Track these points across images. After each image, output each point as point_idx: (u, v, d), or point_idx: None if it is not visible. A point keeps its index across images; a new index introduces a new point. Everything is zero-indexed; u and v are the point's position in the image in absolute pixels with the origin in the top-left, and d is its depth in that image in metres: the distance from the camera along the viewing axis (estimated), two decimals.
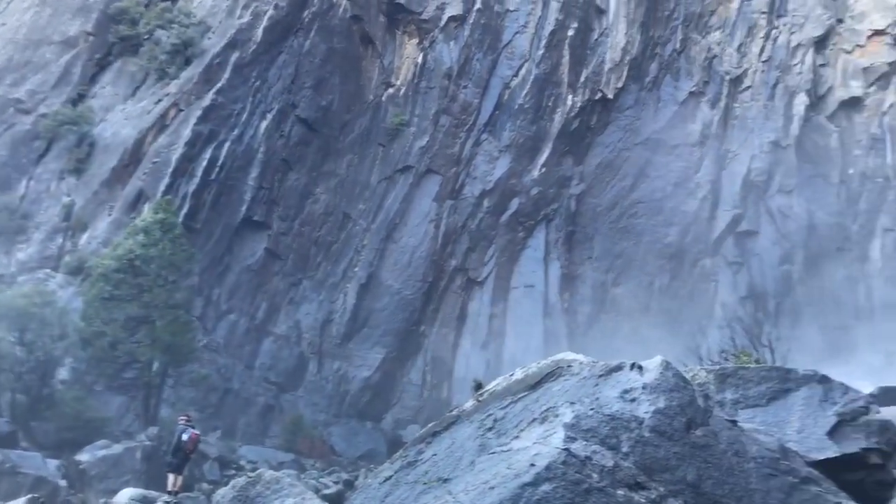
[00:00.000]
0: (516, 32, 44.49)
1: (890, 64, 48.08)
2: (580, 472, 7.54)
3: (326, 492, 25.37)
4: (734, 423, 8.86)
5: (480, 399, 10.26)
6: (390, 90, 42.72)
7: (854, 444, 9.67)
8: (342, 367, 38.67)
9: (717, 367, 12.05)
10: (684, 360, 18.34)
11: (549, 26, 44.44)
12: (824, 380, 10.65)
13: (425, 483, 8.68)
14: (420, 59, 43.26)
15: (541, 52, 44.31)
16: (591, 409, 8.39)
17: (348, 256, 40.29)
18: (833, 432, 9.83)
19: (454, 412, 10.54)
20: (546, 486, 7.27)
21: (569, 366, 9.72)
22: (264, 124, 38.90)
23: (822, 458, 9.40)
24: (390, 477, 9.55)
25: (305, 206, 39.67)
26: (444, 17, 43.66)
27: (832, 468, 9.34)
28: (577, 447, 7.76)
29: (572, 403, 8.64)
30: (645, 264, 43.71)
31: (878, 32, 48.25)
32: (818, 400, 10.37)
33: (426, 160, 42.38)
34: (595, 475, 7.58)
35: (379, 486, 9.56)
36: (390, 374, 39.38)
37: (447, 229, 42.03)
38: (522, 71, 44.17)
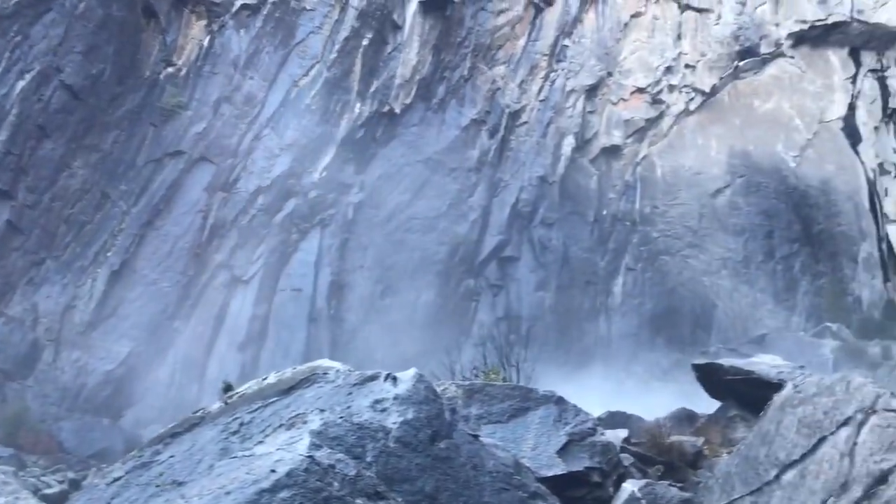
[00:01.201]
0: (311, 32, 43.96)
1: (647, 120, 53.31)
2: (322, 481, 7.43)
3: (48, 491, 23.21)
4: (476, 437, 9.18)
5: (229, 401, 9.90)
6: (170, 69, 40.37)
7: (579, 462, 10.42)
8: (82, 358, 35.66)
9: (467, 382, 12.49)
10: (439, 375, 18.87)
11: (345, 32, 44.41)
12: (560, 401, 11.39)
13: (158, 486, 8.20)
14: (206, 42, 41.35)
15: (333, 56, 44.12)
16: (341, 418, 8.34)
17: (102, 239, 37.35)
18: (563, 451, 10.52)
19: (199, 413, 10.10)
20: (284, 493, 7.09)
21: (325, 373, 9.64)
22: (21, 84, 35.23)
23: (551, 474, 10.01)
24: (120, 478, 8.92)
25: (59, 180, 36.29)
26: (237, 4, 42.15)
27: (559, 484, 9.97)
28: (322, 455, 7.65)
29: (322, 411, 8.55)
30: (413, 279, 44.69)
31: (639, 90, 53.37)
32: (553, 420, 11.06)
33: (201, 147, 40.45)
34: (336, 484, 7.50)
35: (106, 487, 8.87)
36: (136, 370, 36.88)
37: (216, 222, 40.32)
38: (313, 72, 43.69)
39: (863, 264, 51.99)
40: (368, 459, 7.87)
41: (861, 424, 10.97)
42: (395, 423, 8.35)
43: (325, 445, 7.80)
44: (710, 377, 16.08)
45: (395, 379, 9.12)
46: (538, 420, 11.10)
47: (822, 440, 11.14)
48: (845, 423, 11.12)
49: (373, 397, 8.75)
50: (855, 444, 10.86)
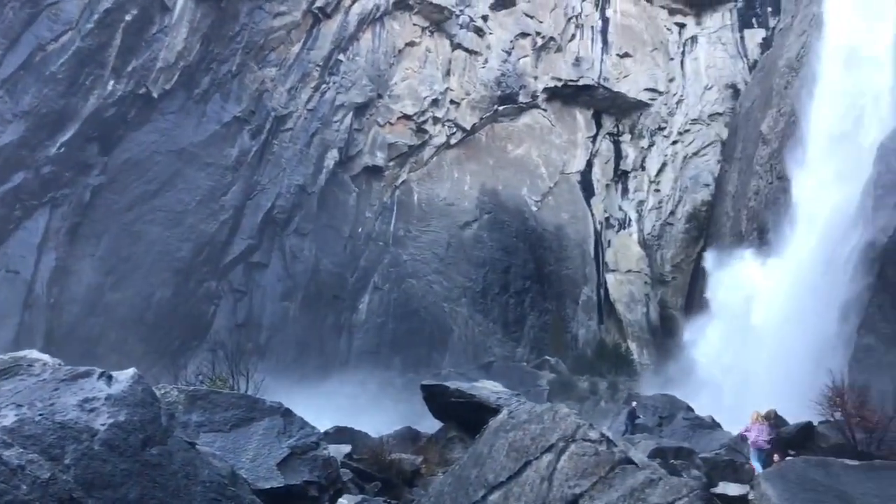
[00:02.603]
0: None
1: (410, 146, 55.00)
2: (7, 483, 6.76)
3: None
4: (192, 445, 8.79)
5: None
6: None
7: (298, 476, 10.34)
8: None
9: (191, 388, 11.96)
10: (163, 378, 17.88)
11: (107, 3, 40.99)
12: (287, 413, 11.25)
13: None
14: None
15: (90, 26, 40.54)
16: (41, 415, 7.63)
17: None
18: (283, 463, 10.39)
19: None
20: None
21: (30, 365, 8.77)
22: None
23: (268, 487, 9.83)
24: None
25: None
26: None
27: (275, 497, 9.82)
28: (11, 454, 6.95)
29: (20, 406, 7.77)
30: (150, 275, 42.04)
31: (406, 116, 55.02)
32: (277, 432, 10.89)
33: None
34: (25, 487, 6.85)
35: None
36: None
37: None
38: (65, 38, 39.80)
39: (582, 306, 57.32)
40: (67, 462, 7.25)
41: (562, 451, 11.98)
42: (103, 424, 7.77)
43: (18, 444, 7.09)
44: (436, 398, 16.74)
45: (110, 378, 8.51)
46: (262, 431, 10.88)
47: (527, 464, 12.01)
48: (548, 449, 12.09)
49: (82, 395, 8.10)
50: (554, 469, 11.84)
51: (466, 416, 16.17)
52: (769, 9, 66.82)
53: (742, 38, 67.42)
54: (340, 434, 16.94)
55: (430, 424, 18.94)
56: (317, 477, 10.44)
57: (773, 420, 19.21)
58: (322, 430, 12.90)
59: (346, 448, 13.86)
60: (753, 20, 67.71)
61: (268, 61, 48.83)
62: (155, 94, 43.30)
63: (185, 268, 43.43)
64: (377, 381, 45.99)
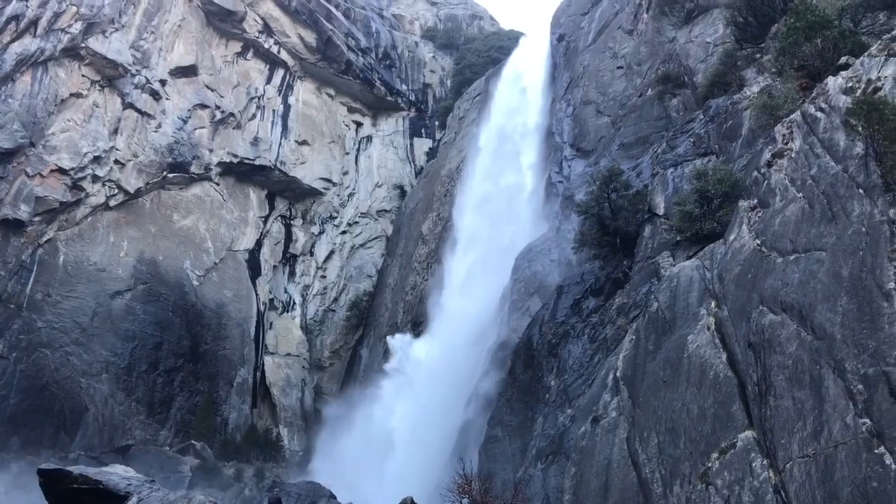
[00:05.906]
0: None
1: (62, 203, 50.11)
2: None
3: None
4: None
5: None
6: None
7: None
8: None
9: None
10: None
11: None
12: None
13: None
14: None
15: None
16: None
17: None
18: None
19: None
20: None
21: None
22: None
23: None
24: None
25: None
26: None
27: None
28: None
29: None
30: None
31: (61, 170, 50.25)
32: None
33: None
34: None
35: None
36: None
37: None
38: None
39: (237, 389, 55.54)
40: None
41: None
42: None
43: None
44: (56, 485, 14.86)
45: None
46: None
47: None
48: None
49: None
50: None
51: None
52: (437, 122, 73.46)
53: (412, 144, 72.98)
54: None
55: None
56: None
57: None
58: None
59: None
60: (423, 130, 73.85)
61: None
62: None
63: None
64: None
